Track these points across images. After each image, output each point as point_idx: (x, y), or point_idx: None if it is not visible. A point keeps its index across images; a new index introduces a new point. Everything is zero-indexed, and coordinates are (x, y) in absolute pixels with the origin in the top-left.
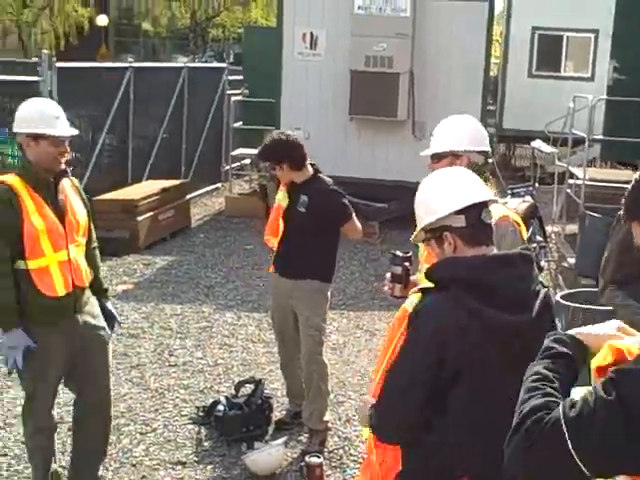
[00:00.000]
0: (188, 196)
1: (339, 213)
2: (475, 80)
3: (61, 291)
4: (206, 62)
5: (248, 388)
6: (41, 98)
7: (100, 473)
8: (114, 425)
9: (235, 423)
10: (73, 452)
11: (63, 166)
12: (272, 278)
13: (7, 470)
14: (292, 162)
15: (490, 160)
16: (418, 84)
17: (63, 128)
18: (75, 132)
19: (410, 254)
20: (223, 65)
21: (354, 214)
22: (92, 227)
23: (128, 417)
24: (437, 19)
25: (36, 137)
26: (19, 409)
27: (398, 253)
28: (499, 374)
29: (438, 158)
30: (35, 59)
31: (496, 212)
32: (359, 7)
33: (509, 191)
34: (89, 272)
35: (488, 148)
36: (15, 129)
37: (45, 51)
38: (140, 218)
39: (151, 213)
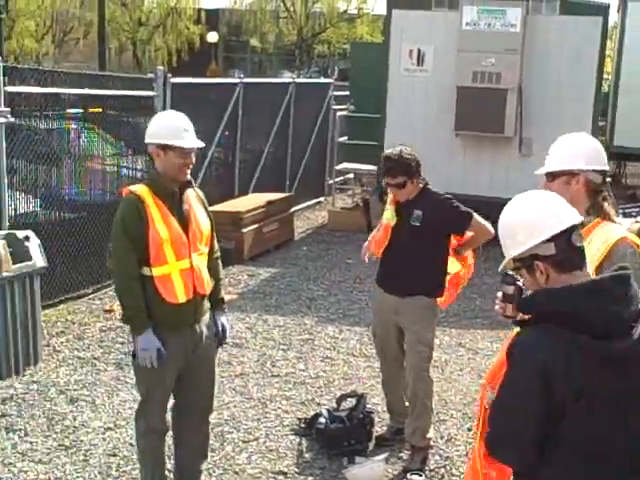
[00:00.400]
0: (292, 209)
1: (459, 217)
2: (586, 96)
3: (182, 298)
4: (310, 77)
5: (350, 402)
6: (172, 111)
7: (203, 478)
8: (218, 432)
9: (337, 436)
10: (175, 455)
11: (188, 177)
12: (374, 294)
13: (116, 470)
14: (420, 177)
15: (608, 180)
16: (526, 100)
17: (190, 140)
18: (201, 145)
19: None
20: (329, 81)
21: (475, 214)
22: (214, 237)
23: (232, 425)
24: (547, 34)
25: (165, 148)
26: (129, 411)
27: (510, 272)
28: (605, 402)
29: (553, 177)
30: (150, 75)
31: (615, 233)
32: (467, 23)
33: (620, 211)
34: (210, 281)
35: (606, 167)
36: (147, 140)
37: (160, 67)
38: (245, 230)
39: (256, 225)
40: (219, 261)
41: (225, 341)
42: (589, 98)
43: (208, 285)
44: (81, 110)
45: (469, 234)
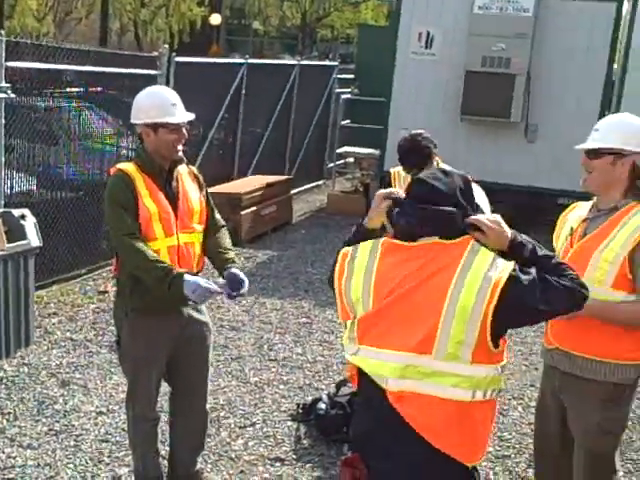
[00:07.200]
0: (291, 192)
1: None
2: (595, 83)
3: None
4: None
5: (349, 387)
6: (156, 86)
7: (199, 465)
8: (214, 417)
9: (336, 422)
10: (171, 443)
11: (180, 154)
12: None
13: (108, 456)
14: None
15: None
16: (534, 86)
17: (181, 114)
18: (192, 116)
19: None
20: (334, 64)
21: None
22: (214, 210)
23: (227, 410)
24: (560, 19)
25: (155, 126)
26: (122, 395)
27: None
28: None
29: (596, 154)
30: (155, 53)
31: None
32: (479, 7)
33: None
34: (199, 259)
35: None
36: (133, 120)
37: (166, 45)
38: (243, 212)
39: (254, 207)
40: (224, 230)
41: (241, 293)
42: (598, 86)
43: (197, 264)
44: (81, 89)
45: None
